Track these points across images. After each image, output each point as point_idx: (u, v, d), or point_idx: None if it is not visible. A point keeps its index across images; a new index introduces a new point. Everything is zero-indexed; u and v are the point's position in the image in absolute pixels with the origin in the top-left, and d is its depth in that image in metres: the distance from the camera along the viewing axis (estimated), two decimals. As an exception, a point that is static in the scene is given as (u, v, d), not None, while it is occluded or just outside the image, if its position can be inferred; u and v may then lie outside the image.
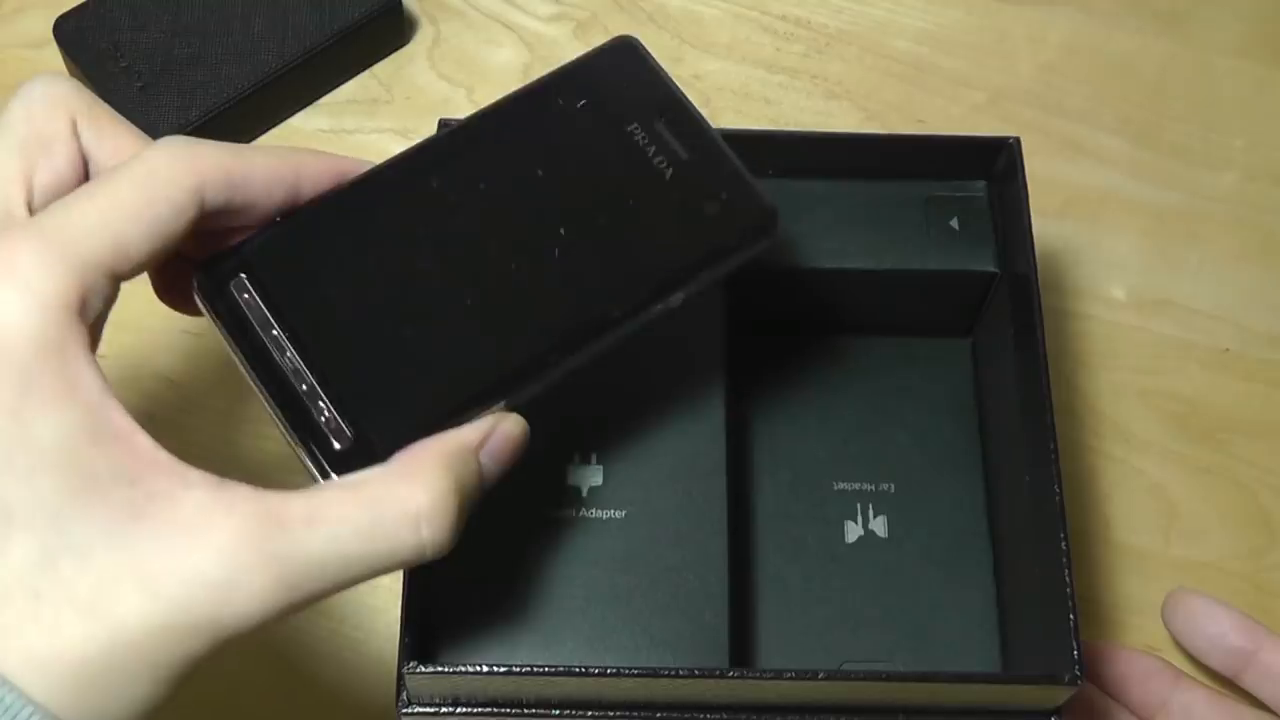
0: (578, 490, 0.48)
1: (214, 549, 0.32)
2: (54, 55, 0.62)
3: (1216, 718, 0.49)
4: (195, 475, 0.33)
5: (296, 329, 0.38)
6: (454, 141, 0.42)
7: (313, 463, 0.37)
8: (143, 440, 0.33)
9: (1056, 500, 0.45)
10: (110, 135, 0.37)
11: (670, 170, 0.41)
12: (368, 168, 0.40)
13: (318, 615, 0.53)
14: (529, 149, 0.41)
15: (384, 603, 0.53)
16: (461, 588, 0.46)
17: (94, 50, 0.60)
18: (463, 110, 0.62)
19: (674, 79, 0.43)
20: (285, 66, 0.60)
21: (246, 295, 0.38)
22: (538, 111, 0.42)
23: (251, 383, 0.38)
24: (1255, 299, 0.60)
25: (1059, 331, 0.59)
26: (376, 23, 0.62)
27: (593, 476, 0.48)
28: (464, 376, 0.38)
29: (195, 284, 0.38)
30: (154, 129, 0.58)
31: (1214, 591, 0.55)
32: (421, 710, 0.44)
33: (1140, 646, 0.52)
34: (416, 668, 0.42)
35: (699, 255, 0.40)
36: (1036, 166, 0.57)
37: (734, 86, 0.64)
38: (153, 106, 0.59)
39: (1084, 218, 0.62)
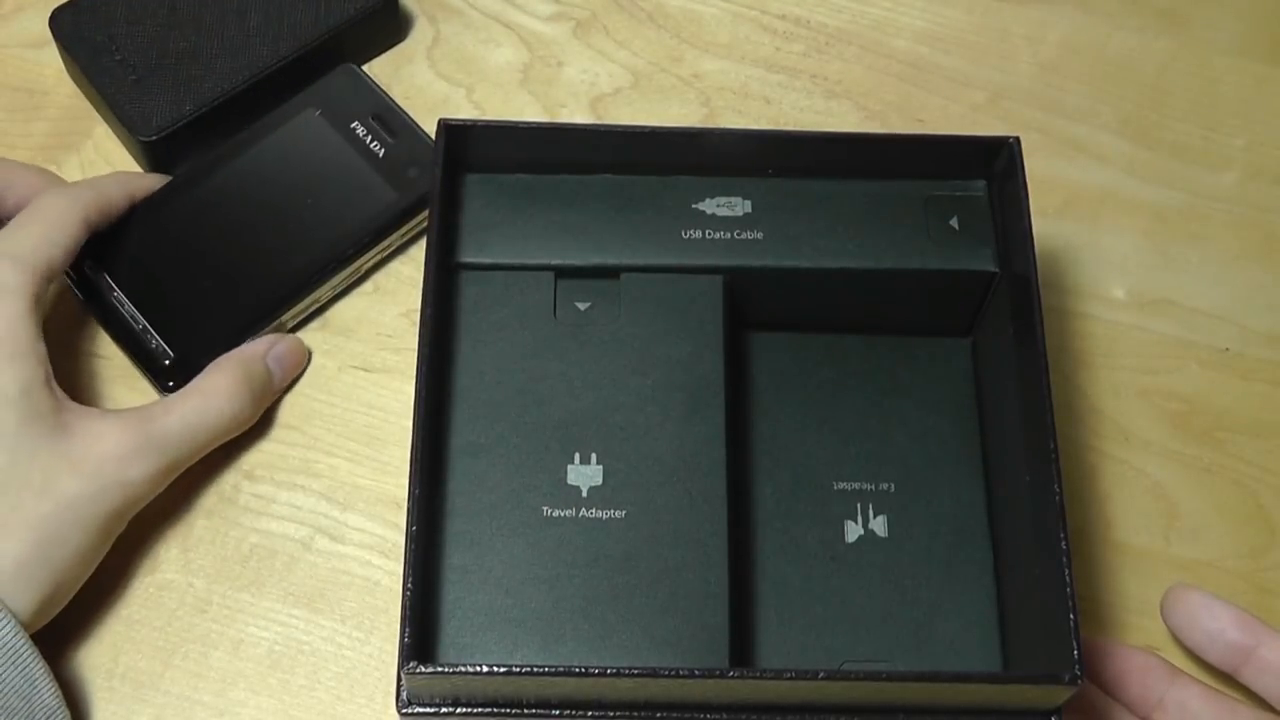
0: (578, 490, 0.48)
1: (111, 439, 0.50)
2: (53, 55, 0.62)
3: (1212, 714, 0.49)
4: (90, 408, 0.51)
5: (130, 291, 0.56)
6: (230, 148, 0.59)
7: (150, 376, 0.56)
8: (57, 388, 0.51)
9: (1057, 500, 0.45)
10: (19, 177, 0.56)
11: (382, 149, 0.59)
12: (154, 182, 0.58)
13: (318, 615, 0.53)
14: (284, 144, 0.59)
15: (384, 603, 0.53)
16: (461, 588, 0.46)
17: (89, 43, 0.60)
18: (463, 110, 0.62)
19: (389, 92, 0.61)
20: (280, 61, 0.60)
21: (95, 274, 0.56)
22: (286, 121, 0.59)
23: (106, 331, 0.57)
24: (1255, 298, 0.60)
25: (1059, 331, 0.59)
26: (372, 19, 0.62)
27: (593, 476, 0.48)
28: (243, 308, 0.56)
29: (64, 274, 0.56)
30: (148, 121, 0.59)
31: (1214, 591, 0.55)
32: (421, 710, 0.44)
33: (1140, 646, 0.52)
34: (416, 668, 0.42)
35: (410, 201, 0.58)
36: (1036, 166, 0.57)
37: (734, 86, 0.64)
38: (147, 99, 0.59)
39: (1084, 217, 0.62)
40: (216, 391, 0.53)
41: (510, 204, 0.52)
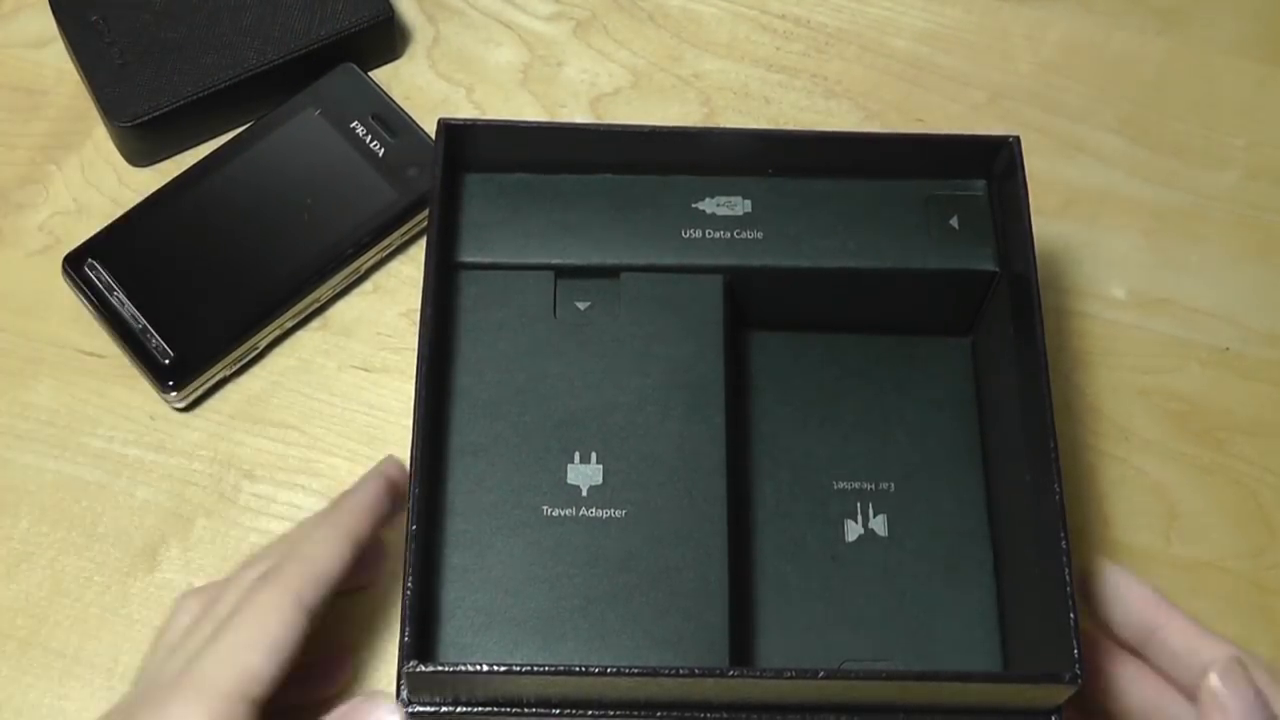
0: (578, 489, 0.48)
1: None
2: (53, 55, 0.62)
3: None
4: None
5: (130, 291, 0.56)
6: (231, 148, 0.59)
7: (151, 376, 0.55)
8: None
9: (1057, 499, 0.45)
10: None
11: (382, 149, 0.59)
12: (392, 477, 0.51)
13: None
14: (284, 144, 0.59)
15: (386, 601, 0.53)
16: (461, 587, 0.46)
17: (84, 21, 0.60)
18: (462, 110, 0.62)
19: (387, 90, 0.61)
20: (265, 64, 0.60)
21: (96, 273, 0.56)
22: (287, 120, 0.60)
23: (106, 329, 0.56)
24: (1255, 298, 0.60)
25: (1059, 330, 0.59)
26: (367, 34, 0.62)
27: (593, 476, 0.48)
28: (243, 307, 0.56)
29: (63, 269, 0.57)
30: (125, 108, 0.59)
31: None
32: (421, 709, 0.44)
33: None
34: (416, 666, 0.42)
35: (410, 201, 0.59)
36: (1036, 166, 0.57)
37: (734, 86, 0.64)
38: (128, 85, 0.59)
39: (1084, 217, 0.62)
40: None
41: (510, 203, 0.52)
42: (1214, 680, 0.43)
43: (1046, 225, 0.61)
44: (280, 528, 0.54)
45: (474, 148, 0.51)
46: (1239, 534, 0.56)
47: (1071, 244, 0.61)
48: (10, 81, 0.63)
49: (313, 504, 0.55)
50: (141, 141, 0.60)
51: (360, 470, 0.55)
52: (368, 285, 0.59)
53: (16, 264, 0.59)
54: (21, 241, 0.59)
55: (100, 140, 0.61)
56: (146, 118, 0.59)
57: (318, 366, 0.58)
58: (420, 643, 0.45)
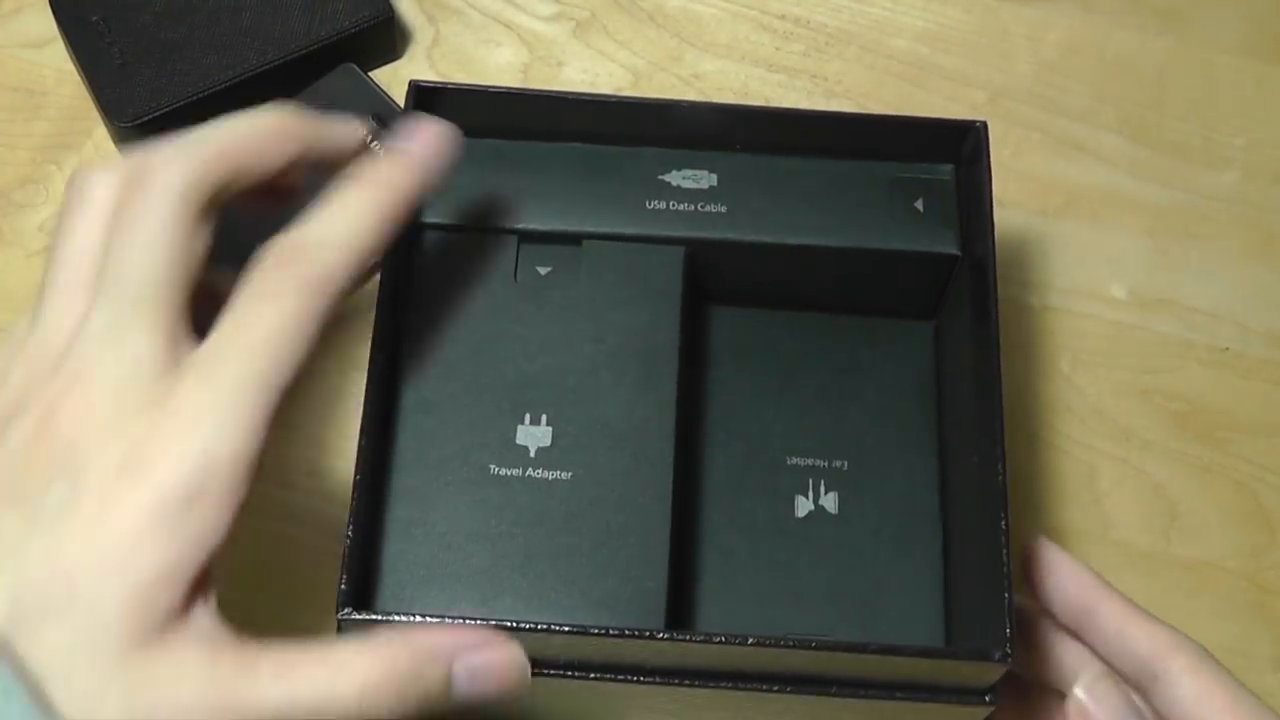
0: (525, 450, 0.48)
1: (190, 687, 0.36)
2: (53, 55, 0.63)
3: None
4: (204, 620, 0.37)
5: None
6: None
7: None
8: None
9: (1000, 479, 0.44)
10: None
11: (382, 150, 0.53)
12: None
13: (319, 615, 0.53)
14: None
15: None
16: (404, 541, 0.46)
17: (84, 21, 0.60)
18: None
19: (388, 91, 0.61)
20: (265, 65, 0.60)
21: None
22: None
23: None
24: (1255, 298, 0.60)
25: (1058, 330, 0.59)
26: (367, 34, 0.62)
27: (541, 437, 0.48)
28: None
29: None
30: (124, 107, 0.59)
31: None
32: None
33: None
34: (350, 614, 0.42)
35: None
36: (1036, 166, 0.57)
37: (734, 86, 0.64)
38: (126, 85, 0.59)
39: (1085, 216, 0.62)
40: (354, 672, 0.38)
41: (477, 167, 0.51)
42: (1079, 693, 0.43)
43: (1047, 225, 0.61)
44: (280, 528, 0.54)
45: (444, 112, 0.51)
46: (1239, 534, 0.56)
47: (1072, 244, 0.61)
48: (10, 81, 0.63)
49: (314, 504, 0.55)
50: (142, 141, 0.60)
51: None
52: (368, 285, 0.59)
53: (17, 264, 0.59)
54: (21, 241, 0.59)
55: (100, 140, 0.61)
56: (147, 118, 0.59)
57: (317, 366, 0.58)
58: (358, 592, 0.45)
